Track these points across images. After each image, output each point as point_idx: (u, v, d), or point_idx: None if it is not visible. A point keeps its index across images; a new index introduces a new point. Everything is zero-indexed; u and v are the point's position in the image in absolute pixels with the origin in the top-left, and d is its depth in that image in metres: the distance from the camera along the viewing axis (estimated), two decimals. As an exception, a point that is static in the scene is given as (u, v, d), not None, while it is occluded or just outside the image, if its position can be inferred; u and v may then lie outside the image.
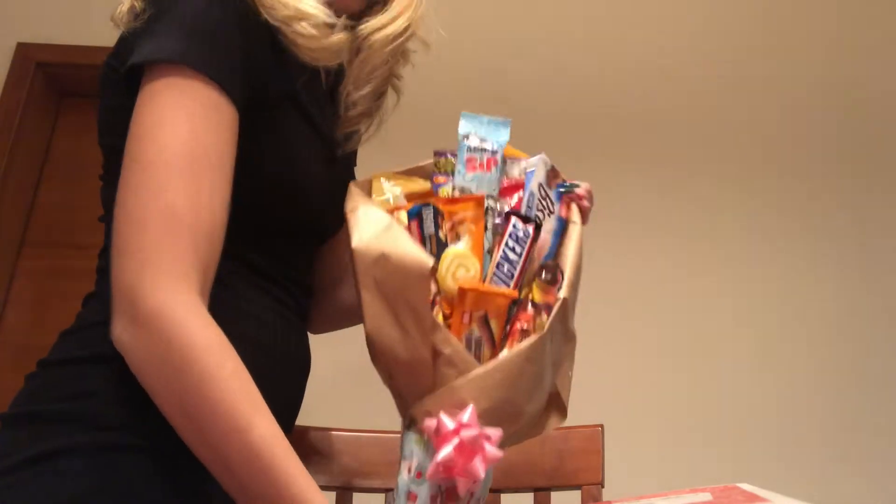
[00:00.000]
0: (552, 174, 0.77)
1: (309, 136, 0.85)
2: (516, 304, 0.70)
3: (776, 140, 2.23)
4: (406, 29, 0.91)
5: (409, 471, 0.68)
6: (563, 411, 0.76)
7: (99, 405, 0.73)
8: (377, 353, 0.72)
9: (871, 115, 2.26)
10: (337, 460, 1.18)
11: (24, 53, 2.34)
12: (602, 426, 1.14)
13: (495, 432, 0.65)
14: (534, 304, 0.70)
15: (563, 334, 0.73)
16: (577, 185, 0.79)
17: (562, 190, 0.76)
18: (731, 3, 2.39)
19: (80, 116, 2.41)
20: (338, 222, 0.82)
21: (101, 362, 0.74)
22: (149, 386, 0.68)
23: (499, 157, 0.75)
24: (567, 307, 0.70)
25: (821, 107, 2.27)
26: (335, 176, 0.91)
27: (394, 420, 1.89)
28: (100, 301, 0.80)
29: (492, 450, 0.64)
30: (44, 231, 2.23)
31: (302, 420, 1.24)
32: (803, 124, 2.25)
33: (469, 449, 0.63)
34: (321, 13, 0.80)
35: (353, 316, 0.86)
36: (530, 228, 0.70)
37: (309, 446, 1.19)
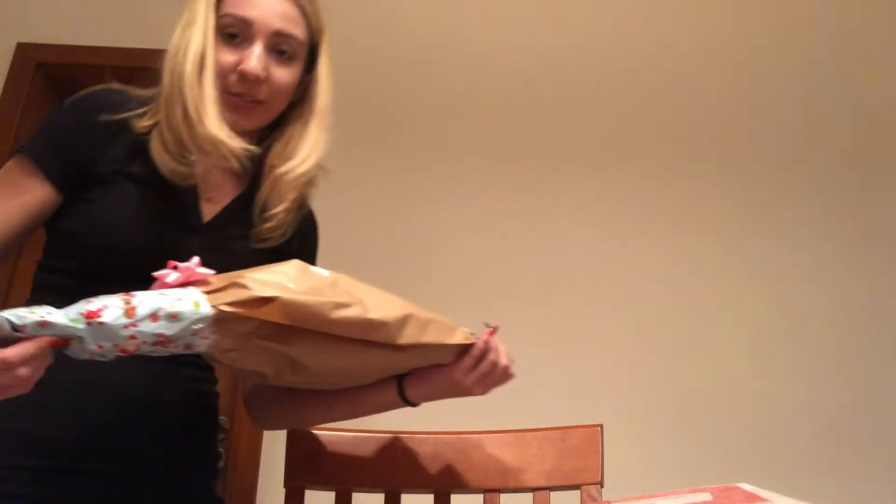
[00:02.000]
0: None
1: (144, 201, 1.00)
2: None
3: (773, 135, 2.23)
4: (312, 168, 1.06)
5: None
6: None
7: None
8: None
9: (868, 109, 2.26)
10: (337, 460, 1.18)
11: (24, 53, 2.33)
12: (602, 426, 1.14)
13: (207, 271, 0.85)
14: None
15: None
16: None
17: None
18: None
19: (80, 116, 2.42)
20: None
21: None
22: None
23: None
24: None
25: (818, 102, 2.27)
26: (191, 242, 1.01)
27: (394, 420, 1.89)
28: None
29: (188, 266, 0.83)
30: (44, 230, 2.23)
31: (302, 420, 1.24)
32: (800, 119, 2.25)
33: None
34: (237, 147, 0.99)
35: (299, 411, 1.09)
36: None
37: (309, 446, 1.19)
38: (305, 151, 1.06)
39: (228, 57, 1.00)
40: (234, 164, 1.00)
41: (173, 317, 0.79)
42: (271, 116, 1.06)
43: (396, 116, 2.26)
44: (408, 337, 0.93)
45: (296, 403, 1.08)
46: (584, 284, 2.07)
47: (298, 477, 1.16)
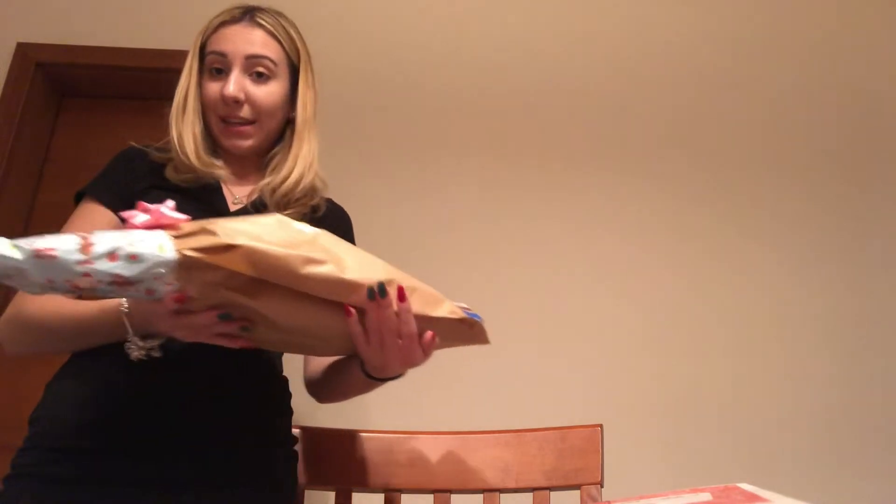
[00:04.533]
0: None
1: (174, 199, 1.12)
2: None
3: (771, 138, 2.24)
4: (297, 182, 1.18)
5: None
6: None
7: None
8: None
9: (863, 110, 2.26)
10: (337, 460, 1.18)
11: (24, 53, 2.34)
12: (602, 426, 1.14)
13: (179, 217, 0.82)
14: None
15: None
16: None
17: None
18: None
19: (80, 116, 2.42)
20: None
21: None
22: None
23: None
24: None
25: (814, 104, 2.27)
26: None
27: (393, 420, 1.89)
28: None
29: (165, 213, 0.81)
30: (44, 231, 2.23)
31: (303, 420, 1.24)
32: (797, 121, 2.25)
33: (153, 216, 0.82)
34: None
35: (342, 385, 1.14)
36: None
37: (309, 446, 1.19)
38: (289, 166, 1.19)
39: (214, 88, 1.16)
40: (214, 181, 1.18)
41: (133, 258, 0.75)
42: (266, 133, 1.20)
43: (401, 113, 2.26)
44: None
45: (321, 383, 1.20)
46: (584, 284, 2.07)
47: (299, 477, 1.16)
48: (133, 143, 1.22)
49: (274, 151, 1.23)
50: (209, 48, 1.19)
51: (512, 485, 1.13)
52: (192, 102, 1.17)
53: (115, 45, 2.33)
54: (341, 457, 1.18)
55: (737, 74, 2.31)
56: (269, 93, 1.18)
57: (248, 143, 1.18)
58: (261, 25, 1.19)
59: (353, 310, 0.86)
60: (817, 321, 2.04)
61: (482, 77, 2.31)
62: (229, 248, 0.77)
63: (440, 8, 2.41)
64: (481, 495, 1.14)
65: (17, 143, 2.24)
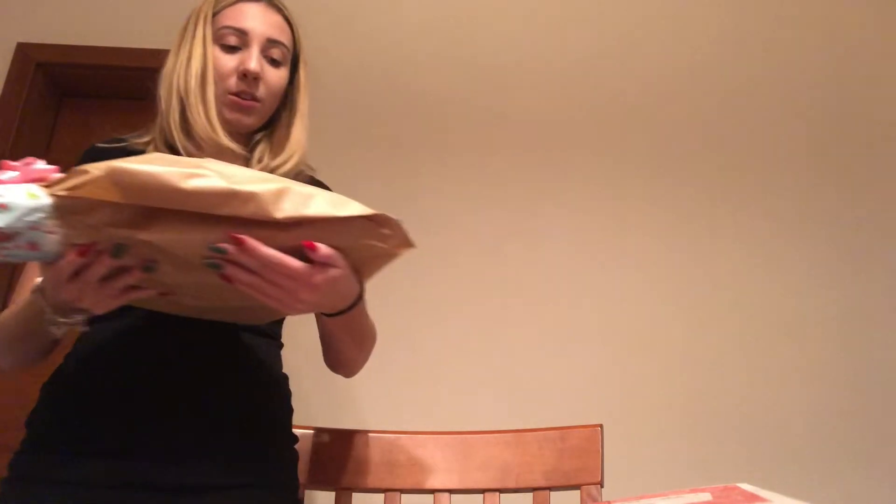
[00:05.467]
0: None
1: None
2: None
3: (772, 138, 2.23)
4: (297, 165, 1.18)
5: None
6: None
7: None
8: None
9: (857, 109, 2.26)
10: (337, 460, 1.18)
11: (24, 53, 2.34)
12: (601, 426, 1.14)
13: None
14: None
15: None
16: None
17: None
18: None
19: (80, 116, 2.42)
20: None
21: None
22: None
23: None
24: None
25: (815, 107, 2.27)
26: None
27: (393, 420, 1.89)
28: None
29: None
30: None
31: (303, 420, 1.24)
32: (799, 123, 2.25)
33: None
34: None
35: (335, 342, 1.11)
36: None
37: (309, 446, 1.19)
38: (290, 150, 1.19)
39: (229, 63, 1.14)
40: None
41: (2, 207, 0.73)
42: (266, 115, 1.19)
43: (396, 114, 2.26)
44: (287, 211, 0.78)
45: (326, 353, 1.18)
46: (583, 284, 2.07)
47: (299, 477, 1.16)
48: (96, 144, 1.19)
49: (257, 139, 1.21)
50: (224, 22, 1.16)
51: (512, 485, 1.13)
52: (211, 74, 1.13)
53: (115, 45, 2.33)
54: (341, 457, 1.18)
55: (736, 75, 2.31)
56: (280, 77, 1.18)
57: (251, 119, 1.16)
58: (280, 11, 1.19)
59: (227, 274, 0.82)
60: (819, 321, 2.04)
61: (481, 78, 2.31)
62: (97, 178, 0.74)
63: (441, 6, 2.41)
64: (481, 495, 1.14)
65: (17, 143, 2.24)
